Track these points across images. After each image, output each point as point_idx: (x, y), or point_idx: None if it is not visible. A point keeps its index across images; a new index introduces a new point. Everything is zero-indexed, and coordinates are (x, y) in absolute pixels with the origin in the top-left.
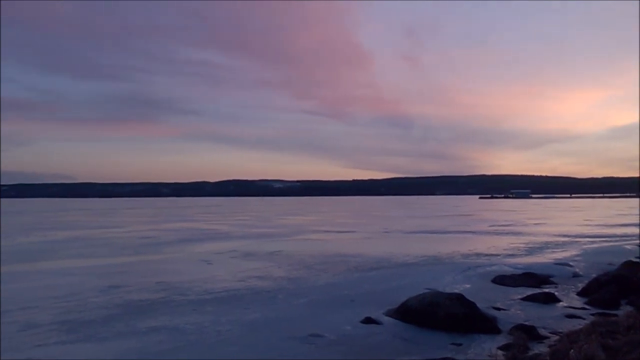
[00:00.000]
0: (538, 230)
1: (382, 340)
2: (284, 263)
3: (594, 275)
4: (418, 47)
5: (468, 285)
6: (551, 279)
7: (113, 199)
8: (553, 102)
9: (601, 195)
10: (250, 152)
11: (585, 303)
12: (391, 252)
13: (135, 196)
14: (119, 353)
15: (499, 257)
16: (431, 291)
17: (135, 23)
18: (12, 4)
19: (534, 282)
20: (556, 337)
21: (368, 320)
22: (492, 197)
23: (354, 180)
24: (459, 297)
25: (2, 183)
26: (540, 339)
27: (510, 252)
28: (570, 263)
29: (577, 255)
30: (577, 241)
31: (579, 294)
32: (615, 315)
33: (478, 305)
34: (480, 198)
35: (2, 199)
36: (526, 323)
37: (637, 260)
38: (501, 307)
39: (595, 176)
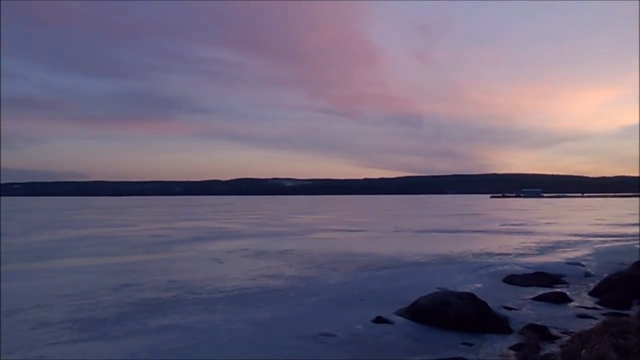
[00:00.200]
0: (549, 230)
1: (393, 340)
2: (295, 262)
3: (605, 275)
4: (430, 45)
5: (479, 285)
6: (563, 278)
7: (125, 197)
8: (564, 101)
9: (613, 194)
10: (261, 150)
11: (597, 303)
12: (402, 251)
13: (147, 194)
14: (130, 351)
15: (510, 256)
16: (442, 290)
17: (149, 21)
18: (28, 3)
19: (545, 281)
20: (567, 337)
21: (379, 320)
22: (503, 196)
23: (365, 179)
24: (470, 297)
25: (15, 181)
26: (551, 339)
27: (521, 252)
28: (582, 263)
29: (589, 255)
30: (588, 240)
31: (591, 293)
32: (627, 315)
33: (489, 304)
34: (492, 197)
35: (16, 197)
36: (537, 323)
37: None
38: (512, 306)
39: (606, 175)
